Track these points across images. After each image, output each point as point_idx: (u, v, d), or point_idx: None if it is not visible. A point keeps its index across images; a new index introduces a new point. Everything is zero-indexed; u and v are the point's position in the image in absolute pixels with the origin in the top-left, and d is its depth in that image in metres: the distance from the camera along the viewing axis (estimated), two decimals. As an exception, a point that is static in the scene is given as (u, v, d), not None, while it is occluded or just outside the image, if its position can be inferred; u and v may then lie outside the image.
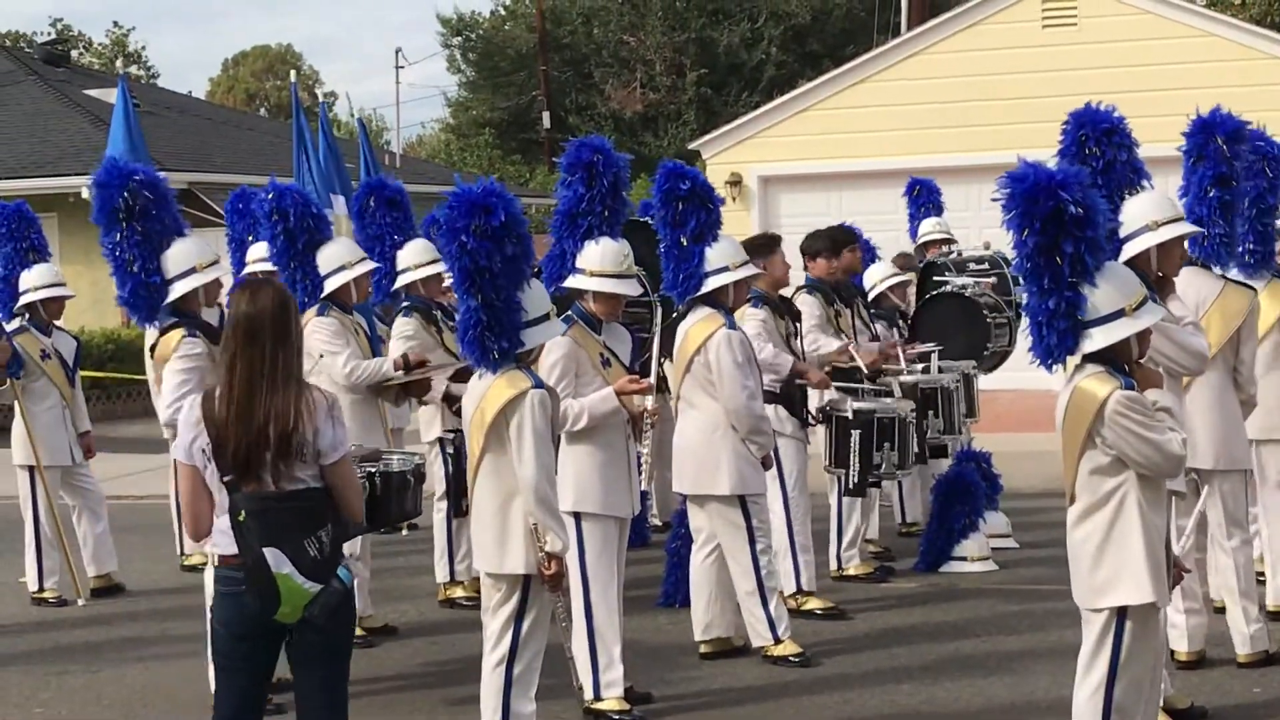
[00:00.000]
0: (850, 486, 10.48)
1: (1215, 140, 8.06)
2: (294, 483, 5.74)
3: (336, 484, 5.86)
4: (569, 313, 8.14)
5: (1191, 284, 8.22)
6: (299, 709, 6.01)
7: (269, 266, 10.73)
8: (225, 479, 5.74)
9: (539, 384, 6.97)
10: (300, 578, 5.67)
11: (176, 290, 8.64)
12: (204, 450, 5.80)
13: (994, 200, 6.25)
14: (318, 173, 12.77)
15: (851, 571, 11.12)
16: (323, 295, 9.62)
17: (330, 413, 5.84)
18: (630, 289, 8.36)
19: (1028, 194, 6.07)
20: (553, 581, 6.98)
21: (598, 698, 8.15)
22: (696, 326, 8.92)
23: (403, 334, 10.41)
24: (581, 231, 8.50)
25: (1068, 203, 6.02)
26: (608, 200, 8.55)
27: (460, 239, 6.84)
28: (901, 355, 11.15)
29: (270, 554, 5.64)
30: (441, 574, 10.88)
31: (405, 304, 10.64)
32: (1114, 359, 6.21)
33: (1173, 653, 8.18)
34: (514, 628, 7.11)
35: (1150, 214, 7.46)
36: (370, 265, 9.94)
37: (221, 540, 5.87)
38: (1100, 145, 7.43)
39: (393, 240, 10.99)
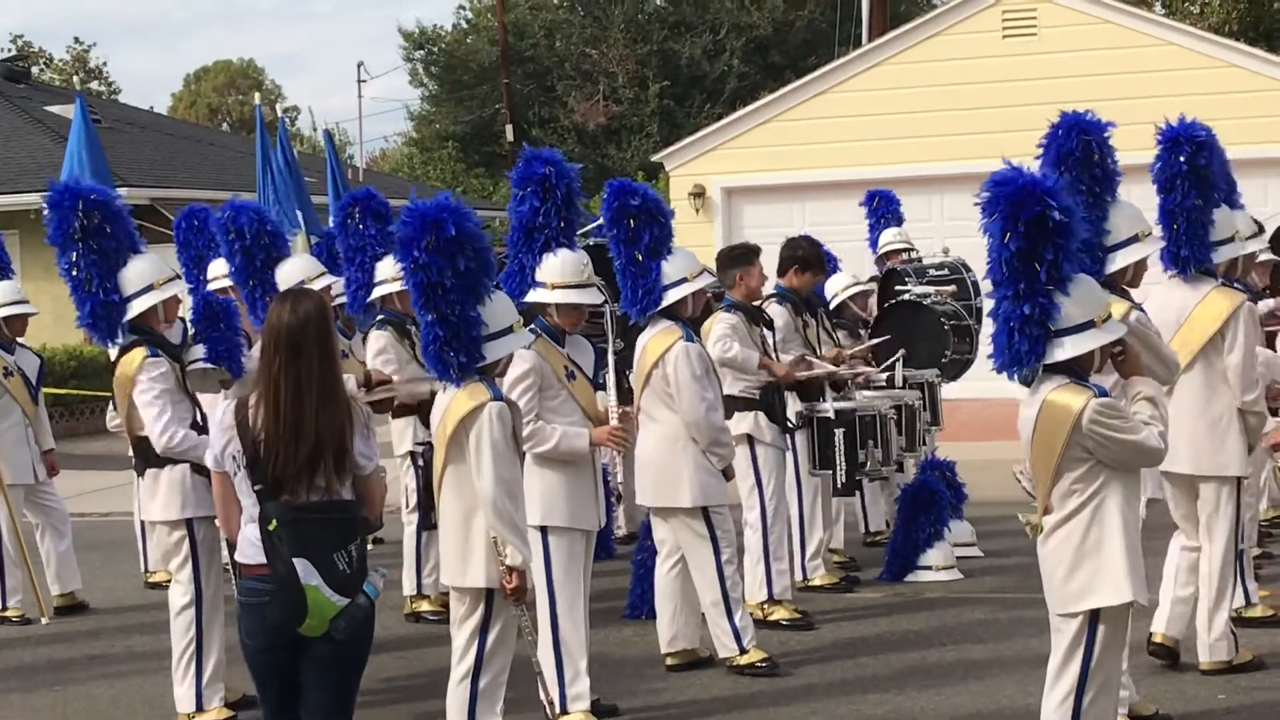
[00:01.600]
0: (839, 486, 10.51)
1: (1163, 150, 8.15)
2: (329, 494, 5.75)
3: (364, 494, 5.90)
4: (532, 326, 8.12)
5: (1174, 294, 8.33)
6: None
7: (229, 284, 10.71)
8: (257, 488, 5.75)
9: (498, 396, 6.96)
10: (329, 591, 5.66)
11: (134, 308, 8.54)
12: (234, 457, 5.83)
13: (975, 204, 6.24)
14: (281, 190, 12.78)
15: (817, 582, 11.13)
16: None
17: (367, 424, 5.91)
18: (593, 298, 8.37)
19: (1013, 197, 6.07)
20: (515, 595, 6.97)
21: (564, 710, 8.12)
22: (654, 340, 8.93)
23: (375, 349, 10.41)
24: (539, 245, 8.48)
25: (1053, 209, 6.04)
26: (563, 212, 8.54)
27: (413, 254, 6.85)
28: (860, 359, 11.18)
29: (300, 565, 5.63)
30: (409, 587, 10.85)
31: (380, 317, 10.65)
32: (1075, 369, 6.24)
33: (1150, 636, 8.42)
34: (479, 641, 7.11)
35: (1137, 224, 7.53)
36: (329, 280, 9.92)
37: (248, 550, 5.87)
38: (1099, 152, 7.43)
39: (374, 252, 10.98)
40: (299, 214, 12.70)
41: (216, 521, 6.16)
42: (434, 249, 6.79)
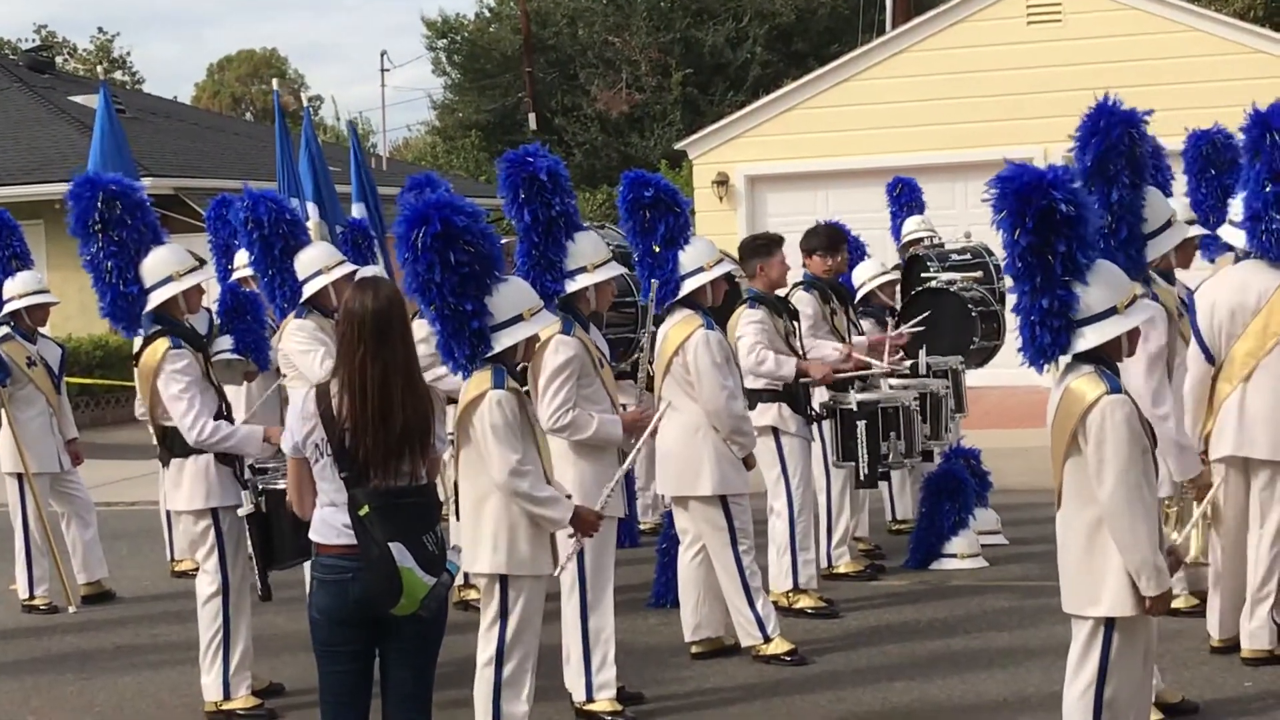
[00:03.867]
0: (861, 478, 10.49)
1: (1272, 135, 8.00)
2: (414, 479, 5.83)
3: (430, 472, 5.99)
4: (568, 315, 8.08)
5: (1255, 277, 8.26)
6: (387, 699, 6.05)
7: (250, 273, 10.71)
8: (344, 474, 5.79)
9: (500, 385, 6.96)
10: (420, 572, 5.74)
11: (154, 299, 8.50)
12: (318, 444, 5.87)
13: (984, 201, 6.24)
14: (306, 179, 12.76)
15: (841, 569, 11.12)
16: (301, 300, 9.59)
17: (443, 408, 5.94)
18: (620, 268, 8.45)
19: (1019, 193, 6.04)
20: (585, 531, 7.29)
21: (590, 699, 8.13)
22: (675, 328, 8.91)
23: (416, 339, 10.37)
24: (562, 234, 8.23)
25: (1059, 201, 6.00)
26: (568, 198, 8.20)
27: (404, 251, 6.88)
28: (887, 349, 11.12)
29: (395, 548, 5.70)
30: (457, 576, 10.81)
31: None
32: (1104, 358, 6.19)
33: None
34: (499, 629, 7.15)
35: (1165, 211, 7.51)
36: (349, 268, 9.87)
37: (325, 530, 5.92)
38: (1137, 142, 7.37)
39: None
40: (313, 205, 12.60)
41: (289, 501, 6.19)
42: (421, 246, 6.80)
